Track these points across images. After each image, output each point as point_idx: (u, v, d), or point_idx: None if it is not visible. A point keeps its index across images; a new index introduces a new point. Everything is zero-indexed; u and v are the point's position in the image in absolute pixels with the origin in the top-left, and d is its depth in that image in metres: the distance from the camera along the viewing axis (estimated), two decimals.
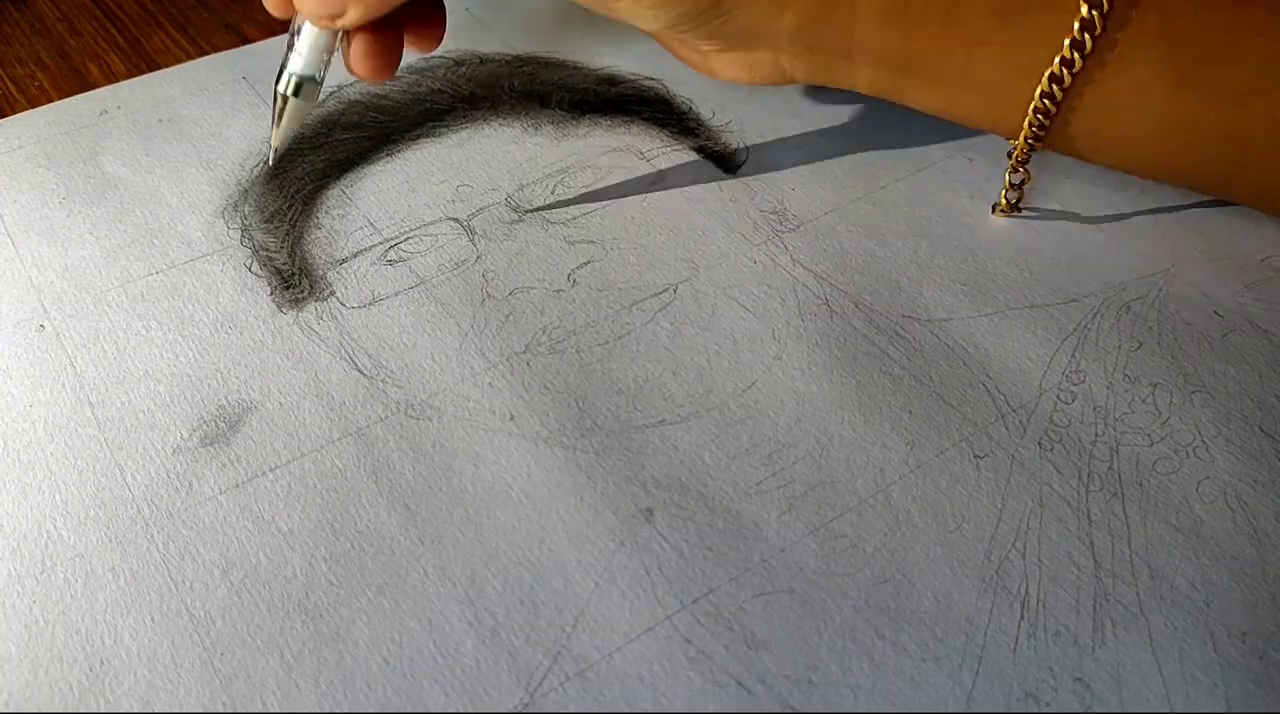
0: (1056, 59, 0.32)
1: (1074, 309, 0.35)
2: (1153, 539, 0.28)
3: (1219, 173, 0.34)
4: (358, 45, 0.32)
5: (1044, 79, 0.32)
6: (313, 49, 0.32)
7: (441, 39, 0.34)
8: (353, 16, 0.31)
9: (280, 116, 0.33)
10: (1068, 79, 0.32)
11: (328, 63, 0.33)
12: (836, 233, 0.37)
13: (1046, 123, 0.33)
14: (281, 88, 0.33)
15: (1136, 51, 0.31)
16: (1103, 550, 0.28)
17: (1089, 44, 0.31)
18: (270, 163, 0.34)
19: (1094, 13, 0.31)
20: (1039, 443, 0.31)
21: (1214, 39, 0.31)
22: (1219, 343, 0.33)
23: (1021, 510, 0.29)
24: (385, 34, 0.32)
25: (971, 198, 0.39)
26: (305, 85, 0.33)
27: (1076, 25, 0.31)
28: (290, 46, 0.32)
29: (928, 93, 0.35)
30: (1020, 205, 0.38)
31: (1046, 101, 0.32)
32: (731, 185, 0.39)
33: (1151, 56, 0.31)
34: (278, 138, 0.34)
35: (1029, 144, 0.34)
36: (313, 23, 0.31)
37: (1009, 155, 0.36)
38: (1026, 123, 0.33)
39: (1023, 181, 0.37)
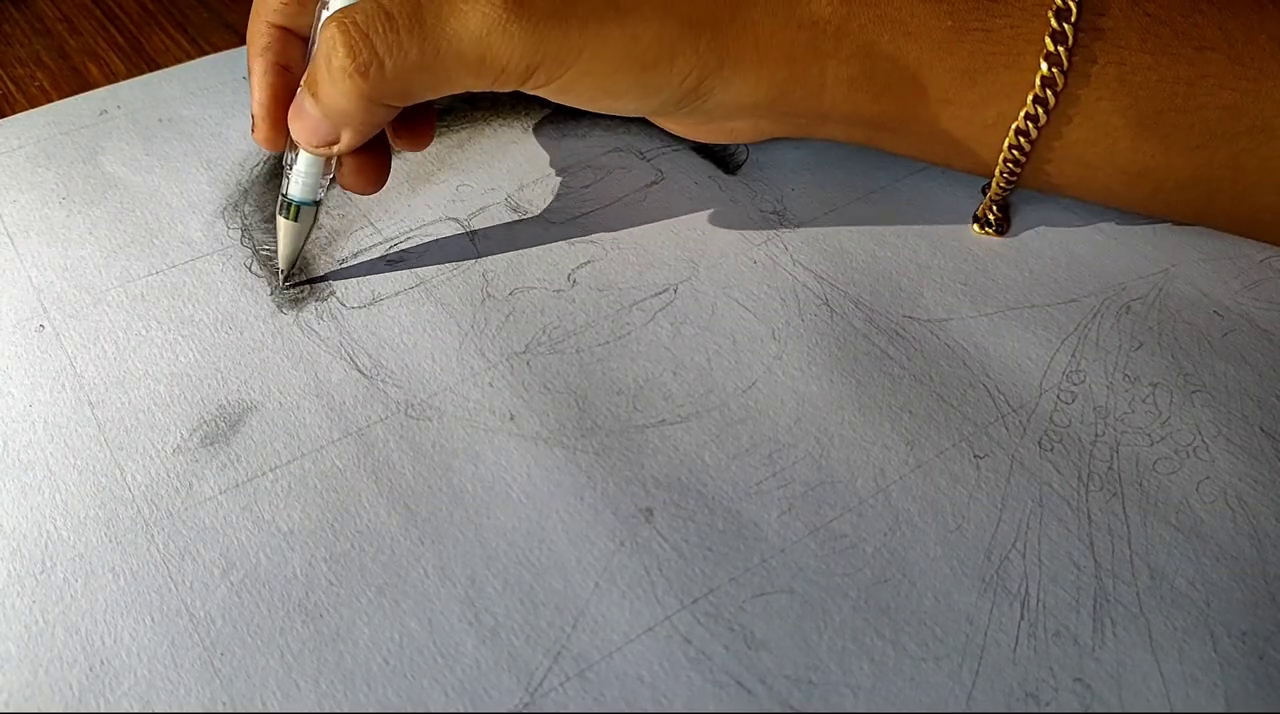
0: (1022, 113, 0.32)
1: (1074, 309, 0.35)
2: (1153, 539, 0.28)
3: (1190, 210, 0.35)
4: (349, 165, 0.34)
5: (1011, 132, 0.33)
6: (309, 175, 0.33)
7: (431, 138, 0.36)
8: (346, 142, 0.31)
9: (285, 238, 0.35)
10: (1034, 132, 0.33)
11: (325, 186, 0.34)
12: (836, 233, 0.37)
13: (1018, 170, 0.34)
14: (282, 213, 0.34)
15: (1099, 104, 0.32)
16: (1103, 550, 0.28)
17: (1052, 99, 0.32)
18: (282, 282, 0.36)
19: (1054, 70, 0.31)
20: (1039, 443, 0.31)
21: (1175, 89, 0.31)
22: (1219, 343, 0.33)
23: (1021, 510, 0.29)
24: (374, 151, 0.34)
25: (971, 197, 0.39)
26: (304, 209, 0.34)
27: (1038, 82, 0.32)
28: (286, 174, 0.34)
29: (902, 144, 0.36)
30: (1005, 227, 0.38)
31: (1015, 152, 0.33)
32: (731, 185, 0.39)
33: (1113, 108, 0.32)
34: (283, 259, 0.35)
35: (1002, 189, 0.35)
36: (308, 151, 0.32)
37: (983, 191, 0.37)
38: (998, 170, 0.34)
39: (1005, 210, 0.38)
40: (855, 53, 0.32)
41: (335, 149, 0.32)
